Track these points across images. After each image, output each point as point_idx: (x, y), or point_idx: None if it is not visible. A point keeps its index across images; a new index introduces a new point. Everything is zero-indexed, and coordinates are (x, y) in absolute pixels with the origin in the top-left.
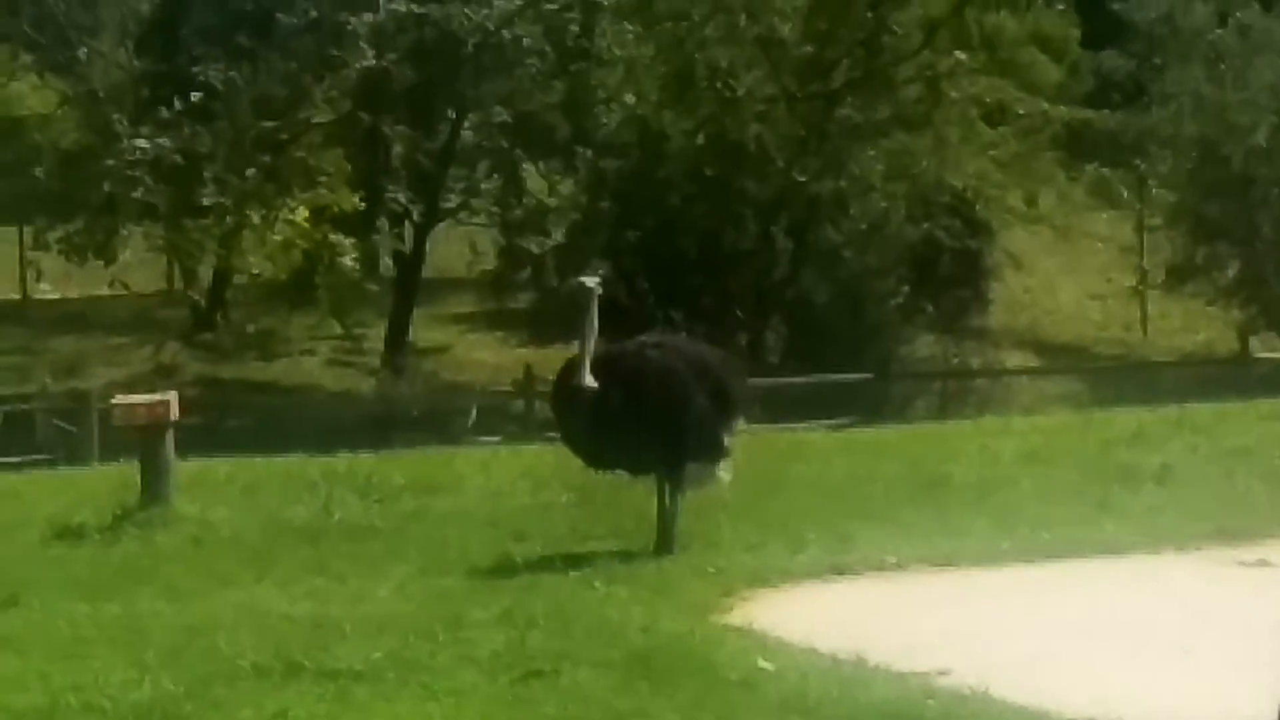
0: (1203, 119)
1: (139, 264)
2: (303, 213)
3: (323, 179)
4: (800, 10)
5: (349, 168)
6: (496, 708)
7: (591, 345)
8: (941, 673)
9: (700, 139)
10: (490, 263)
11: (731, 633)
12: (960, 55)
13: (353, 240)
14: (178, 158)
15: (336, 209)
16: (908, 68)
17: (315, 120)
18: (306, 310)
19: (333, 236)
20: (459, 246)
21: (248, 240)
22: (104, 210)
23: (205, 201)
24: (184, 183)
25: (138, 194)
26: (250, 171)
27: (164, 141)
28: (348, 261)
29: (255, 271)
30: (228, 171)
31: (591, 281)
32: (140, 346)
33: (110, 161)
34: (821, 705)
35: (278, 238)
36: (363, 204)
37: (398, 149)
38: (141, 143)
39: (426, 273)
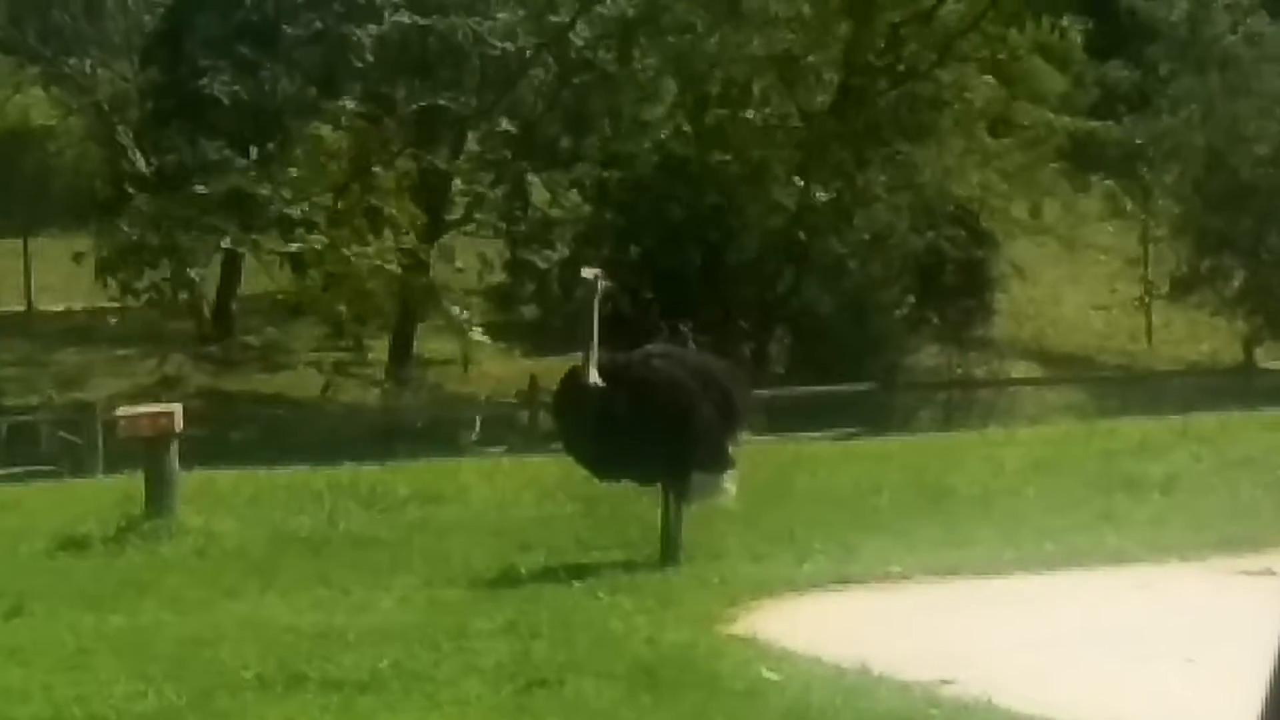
0: (1209, 129)
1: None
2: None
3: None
4: (809, 23)
5: (424, 219)
6: (500, 718)
7: (595, 341)
8: (945, 682)
9: (709, 153)
10: (496, 275)
11: (736, 643)
12: (968, 68)
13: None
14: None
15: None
16: (922, 84)
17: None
18: (311, 321)
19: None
20: (464, 258)
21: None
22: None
23: (293, 248)
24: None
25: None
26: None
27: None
28: (475, 331)
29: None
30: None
31: (590, 272)
32: (144, 359)
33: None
34: (826, 715)
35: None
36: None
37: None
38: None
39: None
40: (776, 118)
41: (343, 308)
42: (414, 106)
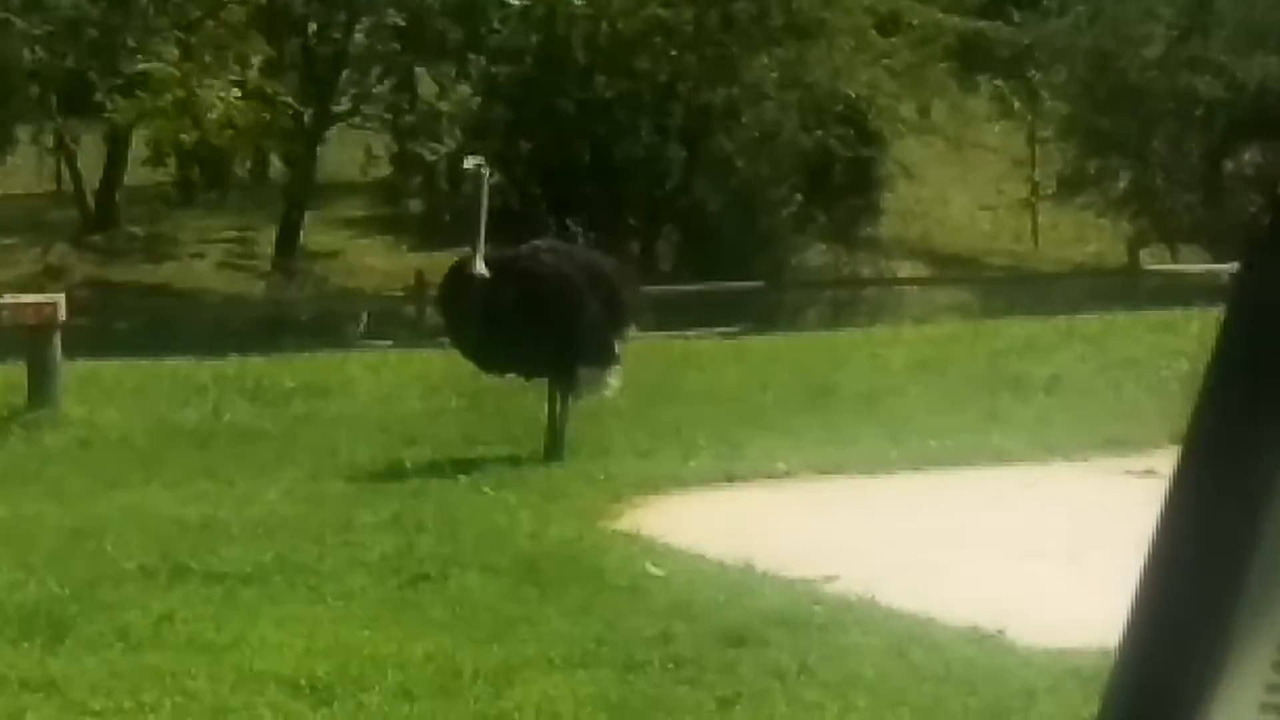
0: (1097, 30)
1: (26, 164)
2: (235, 91)
3: (254, 60)
4: None
5: (272, 52)
6: (384, 611)
7: (482, 234)
8: (829, 579)
9: (588, 46)
10: (384, 168)
11: (620, 538)
12: None
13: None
14: (93, 30)
15: (271, 91)
16: None
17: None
18: (196, 212)
19: (265, 113)
20: (350, 151)
21: (187, 117)
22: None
23: (140, 67)
24: (113, 54)
25: (41, 58)
26: (173, 48)
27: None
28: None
29: (188, 146)
30: (159, 42)
31: (472, 162)
32: (29, 248)
33: (18, 23)
34: (709, 611)
35: (212, 116)
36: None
37: (290, 47)
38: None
39: (317, 176)
40: (666, 13)
41: (185, 136)
42: None
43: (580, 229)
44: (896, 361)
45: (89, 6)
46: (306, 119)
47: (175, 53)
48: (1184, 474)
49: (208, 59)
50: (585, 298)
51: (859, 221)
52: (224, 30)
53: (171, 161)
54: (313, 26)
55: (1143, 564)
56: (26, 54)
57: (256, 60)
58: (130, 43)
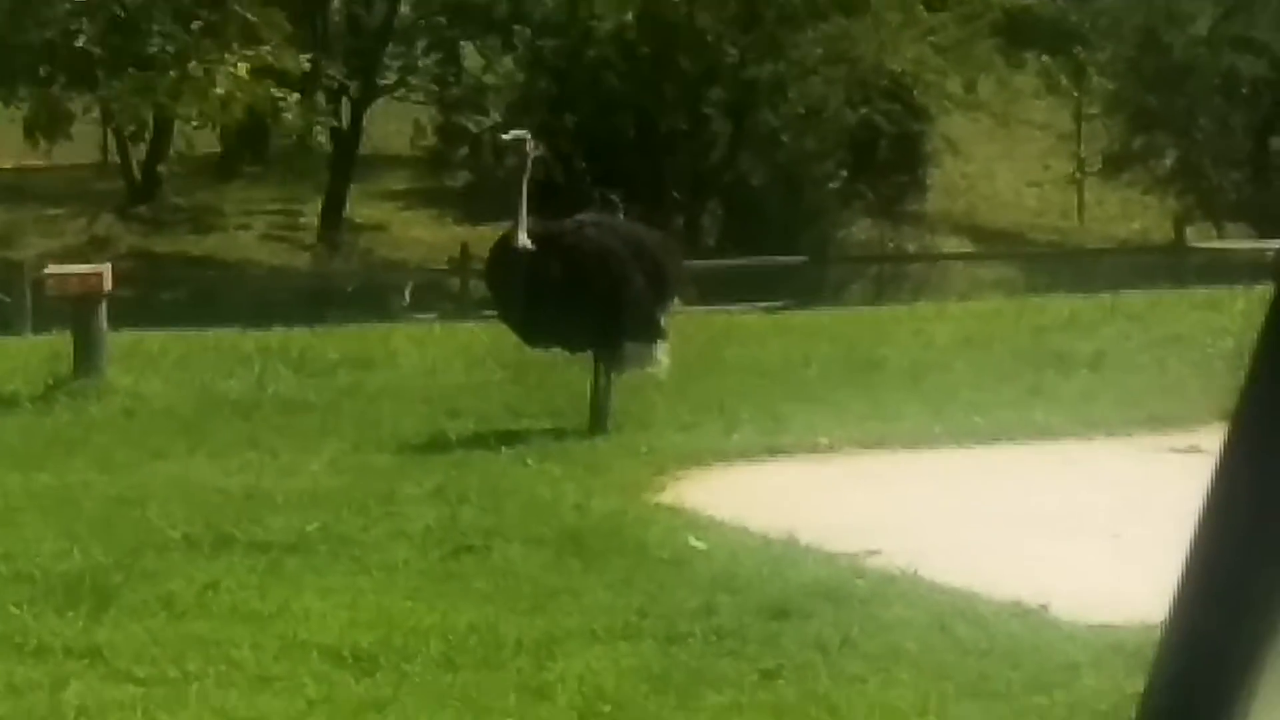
0: (1145, 7)
1: (75, 134)
2: (244, 68)
3: (267, 39)
4: None
5: (289, 28)
6: (427, 582)
7: (525, 205)
8: (871, 553)
9: (632, 17)
10: (429, 141)
11: (663, 511)
12: None
13: (296, 97)
14: (118, 9)
15: (279, 67)
16: None
17: None
18: (242, 184)
19: (276, 91)
20: (396, 124)
21: (187, 95)
22: (46, 75)
23: (151, 50)
24: (127, 34)
25: (79, 43)
26: (194, 25)
27: None
28: (288, 117)
29: (194, 124)
30: (173, 23)
31: (515, 134)
32: (74, 218)
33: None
34: (752, 583)
35: (219, 91)
36: (307, 62)
37: (336, 20)
38: None
39: (363, 149)
40: None
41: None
42: None
43: (624, 203)
44: (941, 337)
45: None
46: (352, 91)
47: (182, 30)
48: (1233, 447)
49: (207, 40)
50: (630, 271)
51: (904, 197)
52: (238, 6)
53: (213, 136)
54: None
55: (1191, 535)
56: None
57: (271, 37)
58: (145, 25)
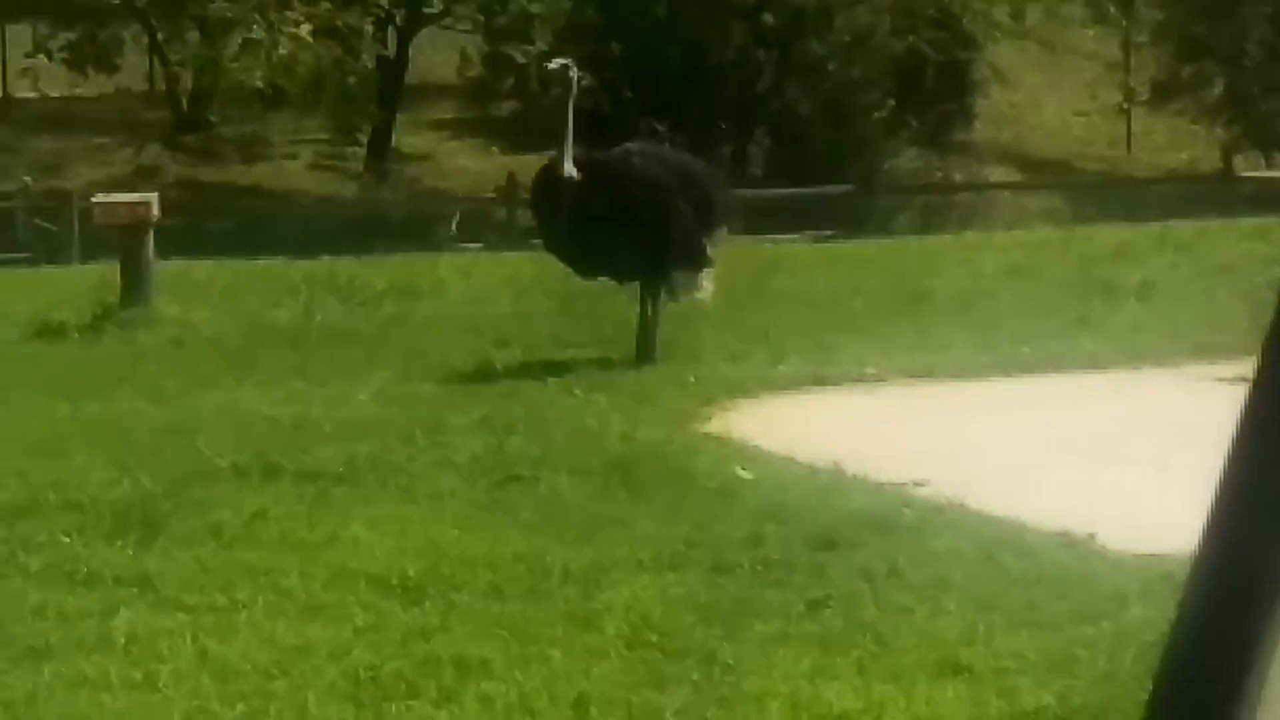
0: None
1: (122, 64)
2: (306, 28)
3: None
4: None
5: None
6: (474, 512)
7: (569, 134)
8: (919, 483)
9: None
10: (476, 69)
11: (710, 441)
12: None
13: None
14: None
15: (342, 27)
16: None
17: None
18: (289, 113)
19: (340, 53)
20: (443, 53)
21: (248, 59)
22: (101, 18)
23: (211, 11)
24: None
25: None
26: None
27: None
28: (350, 81)
29: (260, 87)
30: None
31: (559, 63)
32: (122, 147)
33: None
34: (799, 513)
35: (282, 52)
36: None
37: None
38: None
39: (409, 78)
40: None
41: (259, 77)
42: None
43: (671, 132)
44: (988, 267)
45: None
46: (398, 20)
47: None
48: (1265, 376)
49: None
50: (677, 200)
51: (951, 126)
52: None
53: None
54: None
55: (1223, 463)
56: None
57: None
58: None
